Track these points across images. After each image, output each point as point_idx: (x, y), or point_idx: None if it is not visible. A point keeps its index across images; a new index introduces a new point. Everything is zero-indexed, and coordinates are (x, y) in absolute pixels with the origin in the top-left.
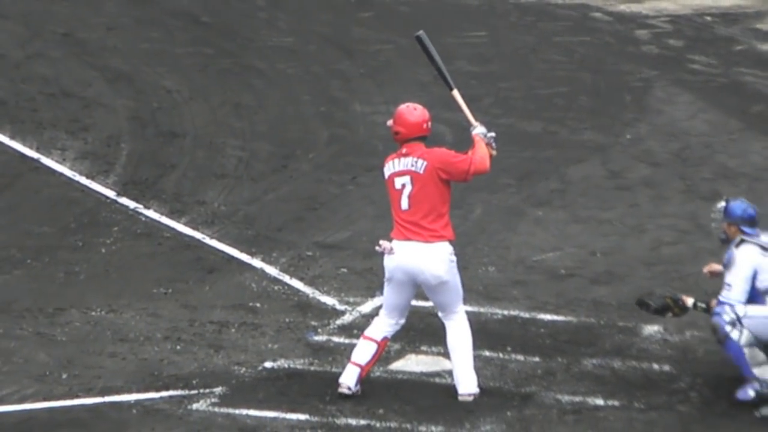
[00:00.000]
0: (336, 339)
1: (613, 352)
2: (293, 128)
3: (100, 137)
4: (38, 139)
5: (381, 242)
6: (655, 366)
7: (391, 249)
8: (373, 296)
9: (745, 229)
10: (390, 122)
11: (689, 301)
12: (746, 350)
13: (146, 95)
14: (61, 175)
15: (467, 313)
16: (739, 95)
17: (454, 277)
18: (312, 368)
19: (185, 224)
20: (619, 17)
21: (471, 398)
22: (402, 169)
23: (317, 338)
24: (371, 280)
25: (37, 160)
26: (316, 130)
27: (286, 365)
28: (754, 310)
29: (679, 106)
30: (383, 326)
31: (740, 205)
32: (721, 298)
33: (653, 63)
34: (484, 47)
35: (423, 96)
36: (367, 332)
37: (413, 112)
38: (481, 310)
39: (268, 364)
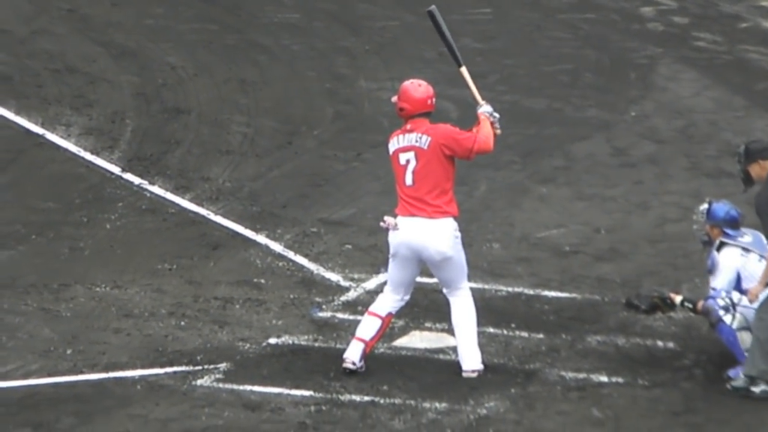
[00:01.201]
0: (340, 315)
1: (617, 329)
2: (298, 105)
3: (105, 113)
4: (43, 114)
5: (385, 218)
6: (659, 343)
7: (396, 225)
8: (377, 273)
9: (728, 230)
10: (395, 98)
11: (677, 298)
12: (738, 334)
13: (151, 71)
14: (66, 150)
15: (471, 289)
16: (744, 72)
17: (458, 253)
18: (316, 344)
19: (190, 200)
20: None
21: (475, 375)
22: (406, 144)
23: (321, 314)
24: (376, 257)
25: (41, 136)
26: (321, 107)
27: (290, 341)
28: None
29: (684, 84)
30: (388, 302)
31: (723, 207)
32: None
33: (658, 40)
34: (489, 24)
35: (428, 72)
36: (372, 308)
37: (418, 88)
38: (486, 286)
39: (272, 340)
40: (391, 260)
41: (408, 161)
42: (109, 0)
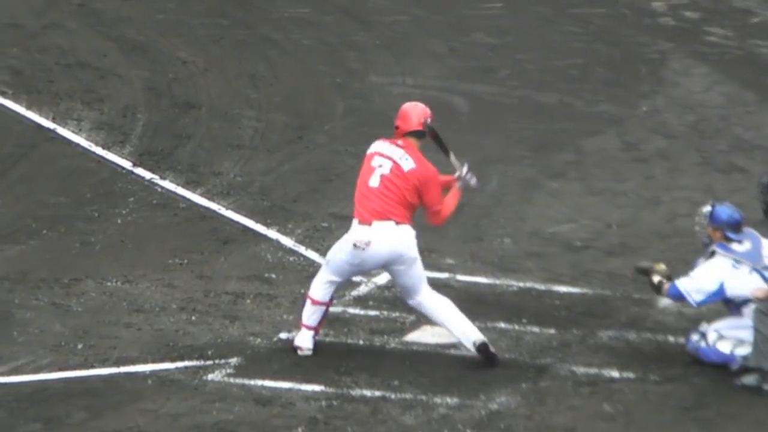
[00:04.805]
0: (351, 310)
1: (628, 324)
2: (309, 99)
3: (116, 108)
4: (54, 109)
5: (356, 242)
6: (671, 338)
7: (368, 242)
8: None
9: (730, 234)
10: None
11: (656, 278)
12: (717, 346)
13: (162, 66)
14: (77, 145)
15: (482, 284)
16: (755, 67)
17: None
18: (327, 339)
19: (201, 195)
20: None
21: (484, 339)
22: (390, 154)
23: (332, 309)
24: None
25: (53, 131)
26: (331, 102)
27: None
28: (718, 325)
29: (695, 79)
30: (327, 288)
31: (726, 210)
32: (676, 282)
33: (669, 35)
34: (501, 19)
35: (438, 67)
36: (313, 295)
37: (414, 108)
38: (497, 282)
39: (283, 335)
40: (347, 264)
41: (381, 166)
42: None
